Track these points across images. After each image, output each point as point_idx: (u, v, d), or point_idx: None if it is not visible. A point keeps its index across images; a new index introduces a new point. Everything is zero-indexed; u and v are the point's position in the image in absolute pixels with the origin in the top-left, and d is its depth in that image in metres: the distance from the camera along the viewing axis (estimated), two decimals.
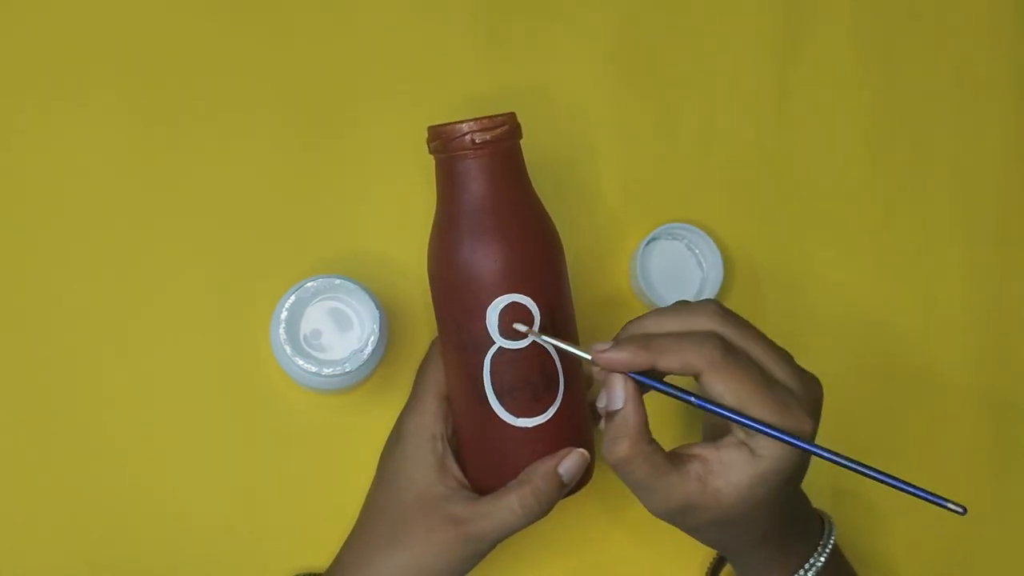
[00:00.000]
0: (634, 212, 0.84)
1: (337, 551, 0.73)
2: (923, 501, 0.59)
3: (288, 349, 0.71)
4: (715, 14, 0.86)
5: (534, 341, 0.66)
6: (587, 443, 0.70)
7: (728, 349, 0.61)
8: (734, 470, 0.61)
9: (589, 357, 0.63)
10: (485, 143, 0.65)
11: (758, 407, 0.60)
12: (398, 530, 0.69)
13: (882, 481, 0.60)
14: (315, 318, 0.73)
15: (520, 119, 0.67)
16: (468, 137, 0.65)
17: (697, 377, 0.61)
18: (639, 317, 0.64)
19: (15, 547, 0.76)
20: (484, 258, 0.66)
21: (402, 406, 0.74)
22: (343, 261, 0.80)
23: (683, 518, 0.63)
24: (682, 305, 0.64)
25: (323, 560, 0.76)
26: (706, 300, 0.64)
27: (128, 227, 0.78)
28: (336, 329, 0.74)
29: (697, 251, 0.82)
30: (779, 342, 0.64)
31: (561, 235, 0.69)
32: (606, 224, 0.83)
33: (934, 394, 0.86)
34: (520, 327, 0.66)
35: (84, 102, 0.79)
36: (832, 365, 0.84)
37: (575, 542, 0.81)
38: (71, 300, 0.77)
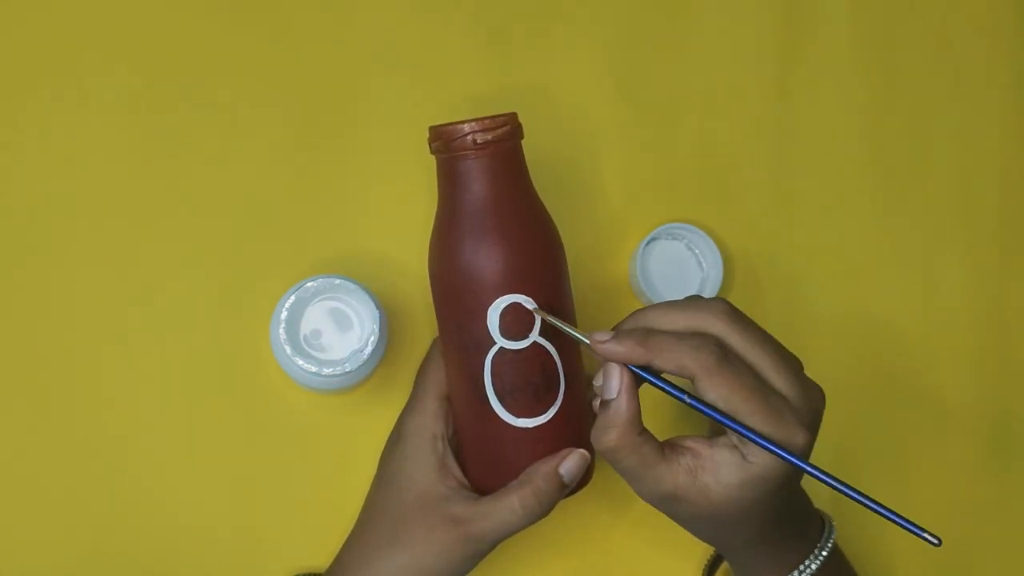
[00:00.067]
0: (634, 212, 0.84)
1: (337, 551, 0.73)
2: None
3: (288, 349, 0.71)
4: (715, 14, 0.86)
5: (535, 341, 0.66)
6: (588, 444, 0.69)
7: (725, 355, 0.60)
8: (724, 470, 0.61)
9: (588, 342, 0.63)
10: (487, 143, 0.65)
11: (750, 416, 0.60)
12: (398, 530, 0.69)
13: (863, 503, 0.60)
14: (315, 318, 0.73)
15: (520, 119, 0.67)
16: (470, 137, 0.65)
17: (692, 381, 0.61)
18: (647, 308, 0.64)
19: (15, 547, 0.76)
20: (485, 258, 0.66)
21: (402, 406, 0.74)
22: (343, 261, 0.80)
23: (670, 507, 0.64)
24: (692, 300, 0.64)
25: (323, 560, 0.76)
26: (717, 298, 0.64)
27: (128, 227, 0.78)
28: (336, 329, 0.74)
29: (697, 251, 0.82)
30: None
31: (561, 235, 0.69)
32: (606, 224, 0.83)
33: (934, 394, 0.86)
34: (528, 303, 0.66)
35: (84, 102, 0.79)
36: (832, 365, 0.85)
37: (575, 542, 0.81)
38: (71, 300, 0.77)
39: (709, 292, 0.81)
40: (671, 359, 0.61)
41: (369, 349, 0.71)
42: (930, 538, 0.59)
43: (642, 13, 0.85)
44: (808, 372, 0.64)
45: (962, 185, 0.88)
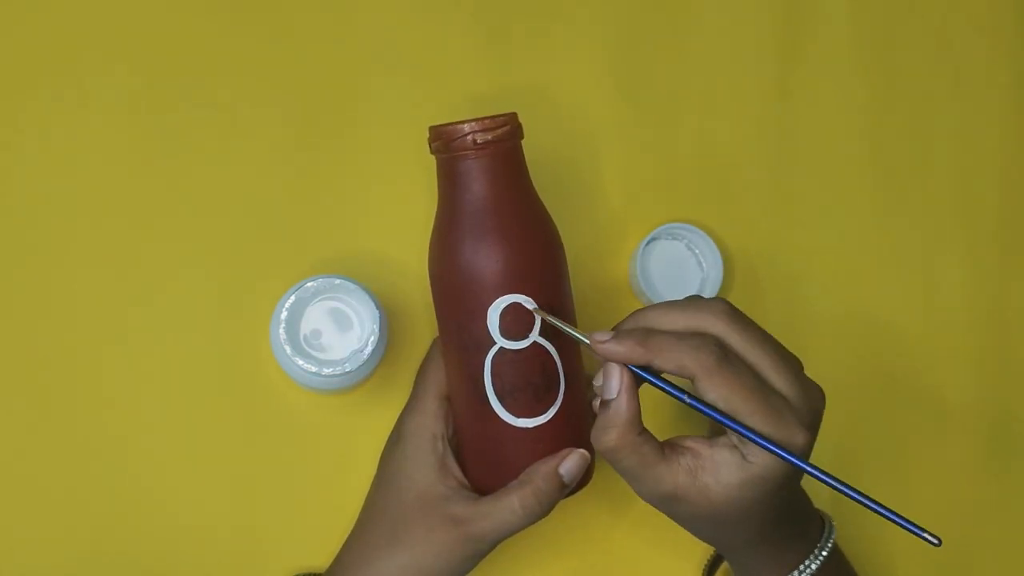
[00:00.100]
0: (634, 212, 0.84)
1: (337, 551, 0.73)
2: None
3: (288, 349, 0.71)
4: (715, 14, 0.86)
5: (535, 342, 0.66)
6: (588, 444, 0.69)
7: (725, 355, 0.60)
8: (724, 470, 0.61)
9: (588, 341, 0.63)
10: (487, 143, 0.65)
11: (750, 416, 0.60)
12: (398, 530, 0.69)
13: (863, 503, 0.60)
14: (315, 318, 0.73)
15: (520, 119, 0.67)
16: (470, 137, 0.65)
17: (692, 381, 0.61)
18: (646, 308, 0.64)
19: (15, 547, 0.76)
20: (485, 258, 0.66)
21: (402, 406, 0.74)
22: (343, 261, 0.80)
23: (670, 507, 0.64)
24: (692, 300, 0.64)
25: (323, 560, 0.76)
26: (717, 299, 0.64)
27: (128, 227, 0.78)
28: (336, 329, 0.74)
29: (697, 251, 0.82)
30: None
31: (561, 235, 0.69)
32: (606, 224, 0.83)
33: (934, 394, 0.86)
34: (528, 303, 0.66)
35: (84, 102, 0.79)
36: (832, 365, 0.85)
37: (575, 542, 0.81)
38: (71, 300, 0.77)
39: (709, 292, 0.81)
40: (671, 359, 0.61)
41: (369, 349, 0.71)
42: (930, 538, 0.59)
43: (642, 13, 0.85)
44: (808, 372, 0.64)
45: (962, 185, 0.88)
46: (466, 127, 0.65)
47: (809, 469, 0.60)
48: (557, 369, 0.68)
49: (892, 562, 0.84)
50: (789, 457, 0.60)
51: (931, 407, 0.86)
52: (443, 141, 0.66)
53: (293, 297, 0.72)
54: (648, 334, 0.62)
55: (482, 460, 0.70)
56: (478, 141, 0.65)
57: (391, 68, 0.82)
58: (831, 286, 0.86)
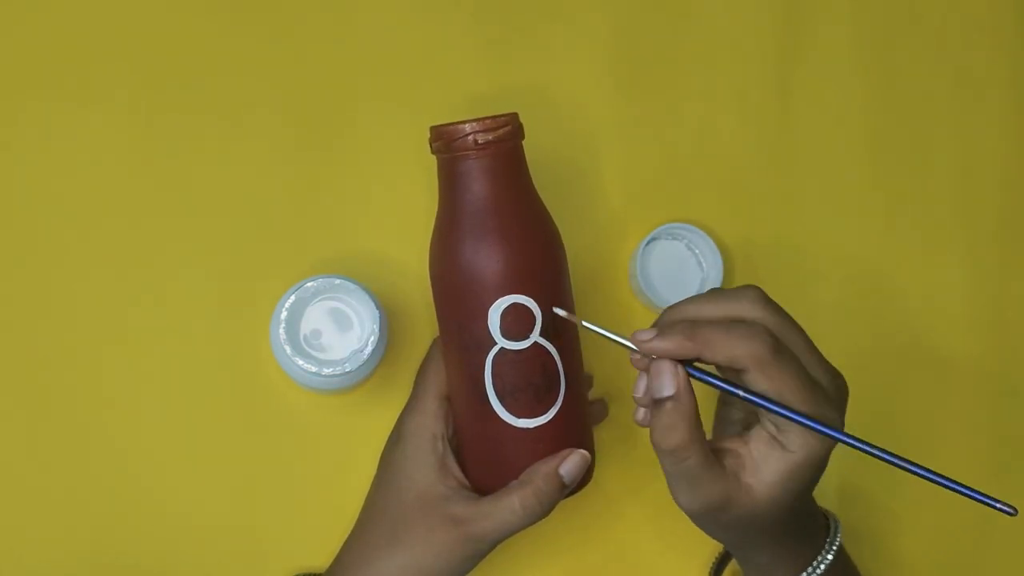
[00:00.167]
0: (634, 212, 0.84)
1: (337, 551, 0.73)
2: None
3: (288, 349, 0.71)
4: (715, 14, 0.86)
5: (535, 342, 0.66)
6: (588, 444, 0.70)
7: (777, 345, 0.59)
8: (765, 465, 0.60)
9: (633, 346, 0.61)
10: (488, 143, 0.65)
11: (799, 405, 0.59)
12: (398, 530, 0.69)
13: (931, 480, 0.58)
14: (315, 318, 0.73)
15: (520, 119, 0.67)
16: (471, 137, 0.65)
17: (741, 372, 0.59)
18: (681, 302, 0.62)
19: (15, 547, 0.76)
20: (486, 259, 0.66)
21: (402, 406, 0.74)
22: (343, 261, 0.80)
23: (717, 514, 0.62)
24: (719, 292, 0.62)
25: (323, 560, 0.76)
26: (747, 286, 0.62)
27: (128, 227, 0.78)
28: (336, 329, 0.74)
29: (697, 251, 0.82)
30: None
31: (561, 235, 0.69)
32: (606, 224, 0.83)
33: (935, 393, 0.86)
34: (560, 311, 0.65)
35: (84, 102, 0.79)
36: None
37: (575, 543, 0.81)
38: (71, 300, 0.77)
39: None
40: (722, 350, 0.59)
41: (369, 349, 0.71)
42: (1004, 508, 0.57)
43: (642, 13, 0.85)
44: None
45: (962, 185, 0.88)
46: (467, 127, 0.65)
47: (859, 445, 0.59)
48: (558, 369, 0.68)
49: (897, 562, 0.84)
50: (851, 441, 0.58)
51: (932, 406, 0.86)
52: (444, 141, 0.66)
53: (293, 297, 0.71)
54: (694, 326, 0.60)
55: (482, 460, 0.70)
56: (479, 141, 0.65)
57: (391, 68, 0.82)
58: (831, 286, 0.86)
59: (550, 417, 0.68)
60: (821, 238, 0.86)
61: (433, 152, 0.67)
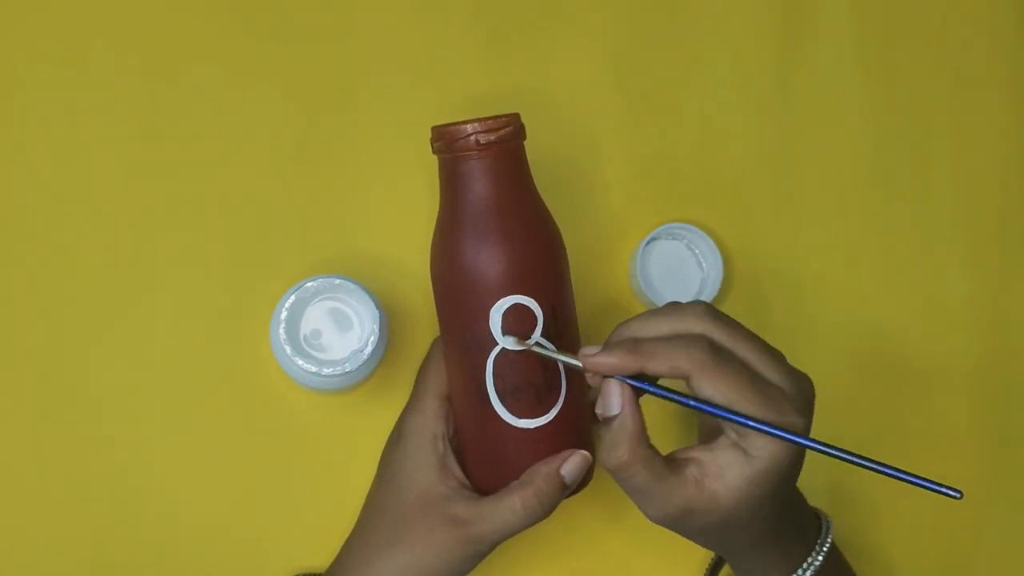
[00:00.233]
0: (634, 212, 0.84)
1: (337, 551, 0.73)
2: (921, 490, 0.59)
3: (288, 349, 0.71)
4: (715, 14, 0.86)
5: (536, 342, 0.66)
6: (589, 444, 0.70)
7: (716, 351, 0.60)
8: (729, 471, 0.61)
9: (578, 363, 0.63)
10: (489, 144, 0.65)
11: (749, 407, 0.60)
12: (398, 530, 0.69)
13: (874, 469, 0.60)
14: (315, 318, 0.73)
15: (521, 119, 0.67)
16: (472, 138, 0.65)
17: (687, 380, 0.61)
18: (629, 320, 0.64)
19: (15, 547, 0.76)
20: (488, 259, 0.66)
21: (402, 406, 0.74)
22: (343, 261, 0.80)
23: (681, 522, 0.63)
24: (672, 307, 0.64)
25: (323, 560, 0.76)
26: (695, 301, 0.64)
27: (128, 227, 0.78)
28: (336, 329, 0.74)
29: (697, 251, 0.82)
30: (779, 341, 0.64)
31: (562, 235, 0.69)
32: (606, 224, 0.83)
33: (934, 394, 0.86)
34: (509, 342, 0.66)
35: (84, 102, 0.79)
36: (832, 364, 0.85)
37: (574, 543, 0.81)
38: (70, 300, 0.77)
39: (709, 292, 0.81)
40: (663, 361, 0.60)
41: (369, 349, 0.71)
42: (950, 492, 0.58)
43: (643, 13, 0.85)
44: (808, 370, 0.64)
45: (962, 185, 0.88)
46: (469, 127, 0.65)
47: (815, 445, 0.60)
48: (559, 370, 0.68)
49: (890, 559, 0.84)
50: (796, 438, 0.59)
51: (931, 407, 0.86)
52: (445, 141, 0.66)
53: (293, 297, 0.71)
54: (636, 341, 0.62)
55: (483, 460, 0.70)
56: (481, 141, 0.65)
57: (391, 68, 0.82)
58: (831, 285, 0.86)
59: (551, 417, 0.68)
60: (821, 238, 0.86)
61: (434, 152, 0.67)
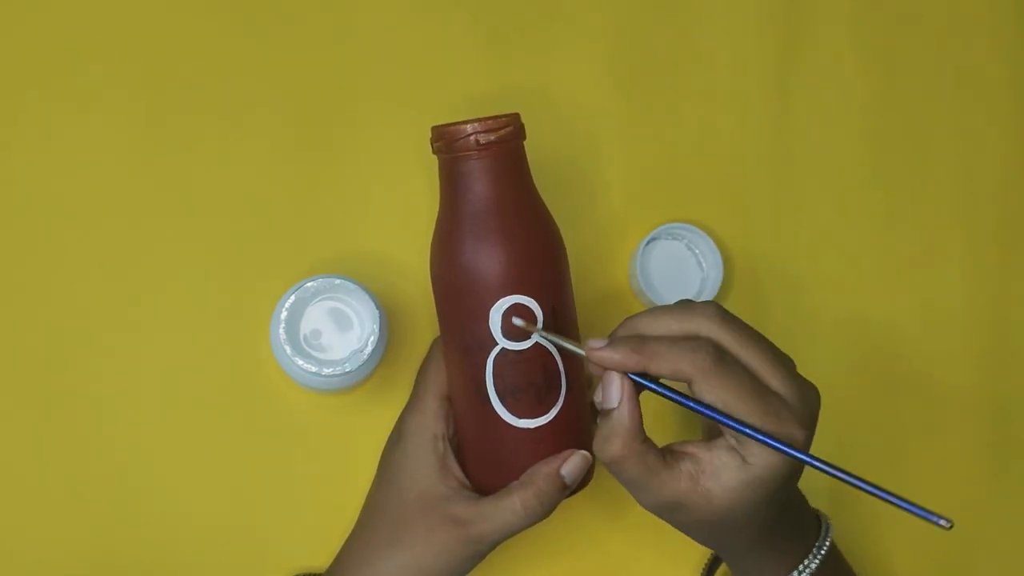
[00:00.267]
0: (634, 212, 0.84)
1: (337, 551, 0.73)
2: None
3: (288, 349, 0.71)
4: (715, 14, 0.86)
5: (537, 342, 0.66)
6: (589, 444, 0.69)
7: (720, 357, 0.60)
8: (724, 473, 0.61)
9: (583, 353, 0.62)
10: (489, 144, 0.65)
11: (748, 415, 0.60)
12: (399, 530, 0.69)
13: (867, 491, 0.59)
14: (315, 318, 0.73)
15: (521, 119, 0.67)
16: (472, 138, 0.65)
17: (689, 384, 0.61)
18: (638, 314, 0.64)
19: (15, 547, 0.76)
20: (488, 259, 0.65)
21: (402, 406, 0.74)
22: (343, 261, 0.80)
23: (673, 514, 0.63)
24: (683, 305, 0.64)
25: (323, 560, 0.76)
26: (708, 302, 0.63)
27: (128, 227, 0.78)
28: (336, 329, 0.74)
29: (697, 251, 0.82)
30: (779, 341, 0.64)
31: (562, 235, 0.69)
32: (606, 224, 0.83)
33: (934, 394, 0.86)
34: (519, 322, 0.65)
35: (84, 102, 0.79)
36: (832, 365, 0.85)
37: (574, 543, 0.81)
38: (71, 300, 0.77)
39: (709, 292, 0.81)
40: (667, 363, 0.60)
41: (369, 349, 0.71)
42: (941, 522, 0.58)
43: (642, 13, 0.85)
44: (807, 371, 0.64)
45: (962, 185, 0.88)
46: (469, 127, 0.65)
47: (810, 460, 0.60)
48: (559, 370, 0.68)
49: (891, 562, 0.84)
50: (788, 450, 0.59)
51: (931, 407, 0.86)
52: (445, 141, 0.66)
53: (293, 297, 0.71)
54: (642, 340, 0.61)
55: (483, 460, 0.70)
56: (481, 141, 0.65)
57: (391, 68, 0.82)
58: (831, 285, 0.86)
59: (551, 417, 0.68)
60: (821, 238, 0.86)
61: (434, 152, 0.67)
